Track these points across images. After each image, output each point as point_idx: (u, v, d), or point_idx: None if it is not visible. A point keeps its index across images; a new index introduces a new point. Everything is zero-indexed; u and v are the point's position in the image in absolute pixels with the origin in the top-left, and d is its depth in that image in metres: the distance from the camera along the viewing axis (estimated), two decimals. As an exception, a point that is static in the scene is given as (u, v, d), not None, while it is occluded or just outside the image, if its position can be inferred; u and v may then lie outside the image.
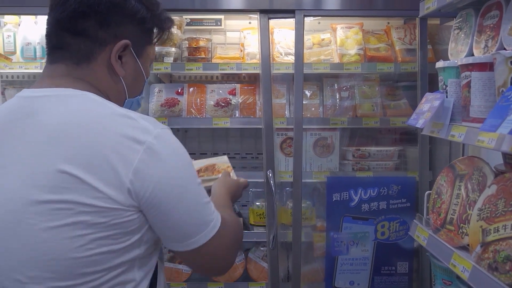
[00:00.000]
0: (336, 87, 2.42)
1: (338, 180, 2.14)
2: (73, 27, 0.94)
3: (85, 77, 0.96)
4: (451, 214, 1.36)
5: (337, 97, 2.40)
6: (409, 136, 2.59)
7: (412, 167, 2.38)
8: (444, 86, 1.43)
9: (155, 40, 1.08)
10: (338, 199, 2.08)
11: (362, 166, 2.33)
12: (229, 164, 1.50)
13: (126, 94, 1.04)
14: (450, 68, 1.40)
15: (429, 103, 1.41)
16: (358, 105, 2.37)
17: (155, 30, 1.06)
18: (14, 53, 2.37)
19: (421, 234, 1.44)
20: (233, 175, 1.40)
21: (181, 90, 2.40)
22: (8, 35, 2.37)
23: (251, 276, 2.34)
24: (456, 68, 1.36)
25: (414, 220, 1.53)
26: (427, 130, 1.46)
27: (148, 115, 2.34)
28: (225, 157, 1.54)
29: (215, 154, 2.74)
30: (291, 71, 2.21)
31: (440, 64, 1.45)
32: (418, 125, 1.38)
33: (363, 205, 2.09)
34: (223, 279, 2.31)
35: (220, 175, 1.36)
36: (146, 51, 1.05)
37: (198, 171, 1.46)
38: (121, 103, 1.04)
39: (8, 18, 2.41)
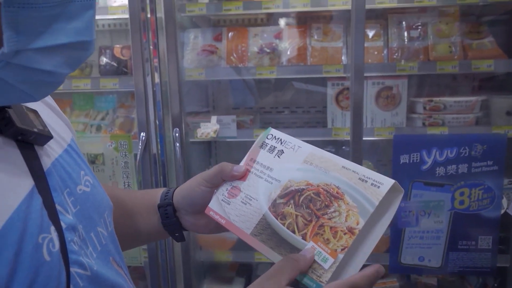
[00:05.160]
0: (404, 25, 2.00)
1: (407, 138, 1.78)
2: None
3: None
4: None
5: (405, 38, 1.99)
6: (493, 82, 2.15)
7: (497, 121, 1.96)
8: None
9: None
10: (407, 161, 1.73)
11: (435, 121, 1.94)
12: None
13: None
14: None
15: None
16: (431, 46, 1.95)
17: None
18: None
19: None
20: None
21: (219, 36, 2.08)
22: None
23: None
24: None
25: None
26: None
27: (184, 66, 2.06)
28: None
29: (261, 108, 2.43)
30: (348, 6, 1.82)
31: None
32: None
33: (437, 169, 1.73)
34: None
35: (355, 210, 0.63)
36: None
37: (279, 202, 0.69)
38: None
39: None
